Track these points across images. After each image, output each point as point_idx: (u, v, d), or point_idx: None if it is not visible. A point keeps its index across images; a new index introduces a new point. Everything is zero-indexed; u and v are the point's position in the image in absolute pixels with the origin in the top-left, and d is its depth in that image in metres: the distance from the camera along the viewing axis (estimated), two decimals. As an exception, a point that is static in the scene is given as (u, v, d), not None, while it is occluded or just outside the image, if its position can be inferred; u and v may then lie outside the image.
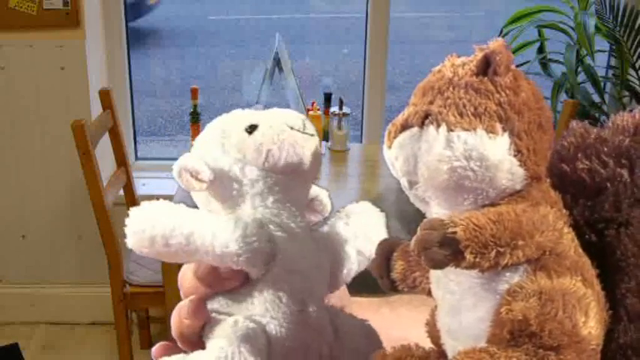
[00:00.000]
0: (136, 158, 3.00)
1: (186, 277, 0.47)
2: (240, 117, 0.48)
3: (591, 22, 2.47)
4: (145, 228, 0.44)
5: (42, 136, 2.62)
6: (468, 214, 0.39)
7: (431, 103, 0.43)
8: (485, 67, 0.42)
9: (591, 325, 0.39)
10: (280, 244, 0.44)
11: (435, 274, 0.44)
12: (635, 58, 2.55)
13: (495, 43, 0.42)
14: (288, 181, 0.46)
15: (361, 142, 2.95)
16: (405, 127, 0.43)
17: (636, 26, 2.51)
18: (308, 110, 2.67)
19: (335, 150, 2.61)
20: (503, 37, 2.73)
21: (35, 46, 2.52)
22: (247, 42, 6.48)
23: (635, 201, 0.43)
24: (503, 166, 0.40)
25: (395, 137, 0.43)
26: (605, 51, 2.81)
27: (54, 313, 2.81)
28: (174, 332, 0.45)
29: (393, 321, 0.51)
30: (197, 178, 0.46)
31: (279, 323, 0.44)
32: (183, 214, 0.44)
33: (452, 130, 0.40)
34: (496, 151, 0.40)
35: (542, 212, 0.40)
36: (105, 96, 2.41)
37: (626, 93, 2.64)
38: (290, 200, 0.46)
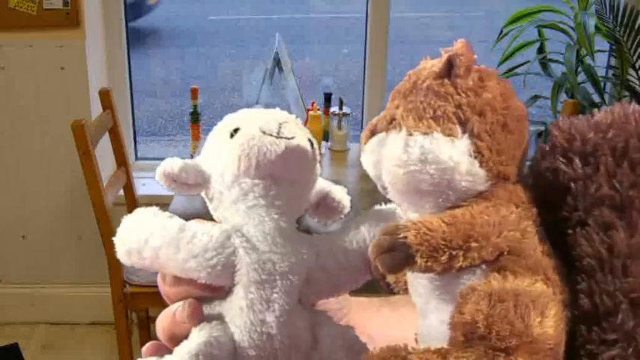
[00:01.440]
0: (136, 158, 3.00)
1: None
2: (234, 119, 0.47)
3: (591, 22, 2.47)
4: (124, 240, 0.46)
5: (42, 136, 2.62)
6: (422, 218, 0.40)
7: (397, 107, 0.43)
8: (449, 69, 0.42)
9: (549, 325, 0.38)
10: (240, 256, 0.44)
11: (409, 279, 0.44)
12: (635, 58, 2.54)
13: (457, 45, 0.42)
14: (270, 185, 0.45)
15: (361, 142, 2.94)
16: (373, 132, 0.43)
17: (636, 26, 2.51)
18: (308, 110, 2.66)
19: (335, 150, 2.61)
20: (503, 37, 2.74)
21: (35, 46, 2.52)
22: (247, 42, 6.47)
23: (597, 200, 0.42)
24: (461, 167, 0.40)
25: (366, 143, 0.44)
26: (605, 51, 2.81)
27: (54, 313, 2.81)
28: (164, 334, 0.46)
29: (394, 321, 0.51)
30: (178, 181, 0.46)
31: (241, 332, 0.44)
32: (157, 226, 0.45)
33: (411, 135, 0.41)
34: (452, 154, 0.40)
35: (503, 213, 0.40)
36: (105, 96, 2.41)
37: (626, 93, 2.64)
38: (273, 205, 0.45)
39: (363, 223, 0.48)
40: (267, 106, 3.14)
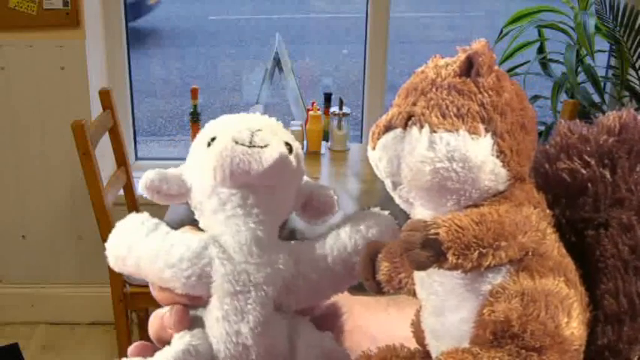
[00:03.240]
0: (136, 158, 3.00)
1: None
2: (213, 127, 0.48)
3: (591, 22, 2.47)
4: (112, 247, 0.48)
5: (42, 136, 2.62)
6: (450, 215, 0.39)
7: (414, 104, 0.43)
8: (468, 68, 0.42)
9: (574, 326, 0.39)
10: (215, 267, 0.45)
11: (418, 275, 0.44)
12: (635, 58, 2.54)
13: (478, 44, 0.42)
14: (246, 194, 0.45)
15: (361, 142, 2.95)
16: (388, 128, 0.43)
17: (636, 26, 2.51)
18: (308, 110, 2.66)
19: (335, 150, 2.61)
20: (502, 37, 2.74)
21: (35, 46, 2.52)
22: (247, 42, 6.47)
23: (615, 201, 0.42)
24: (486, 167, 0.40)
25: (378, 138, 0.43)
26: (605, 51, 2.81)
27: (54, 313, 2.81)
28: (153, 336, 0.47)
29: (399, 321, 0.51)
30: (161, 192, 0.47)
31: (218, 342, 0.45)
32: (141, 235, 0.46)
33: (435, 132, 0.41)
34: (479, 152, 0.40)
35: (525, 213, 0.40)
36: (105, 96, 2.41)
37: (626, 93, 2.64)
38: (251, 214, 0.45)
39: (344, 228, 0.47)
40: (267, 105, 3.15)
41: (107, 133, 2.41)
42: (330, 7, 7.42)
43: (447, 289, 0.42)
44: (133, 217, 0.48)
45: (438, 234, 0.38)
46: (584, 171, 0.44)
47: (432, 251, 0.38)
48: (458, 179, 0.40)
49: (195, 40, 6.60)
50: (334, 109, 2.64)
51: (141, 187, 0.47)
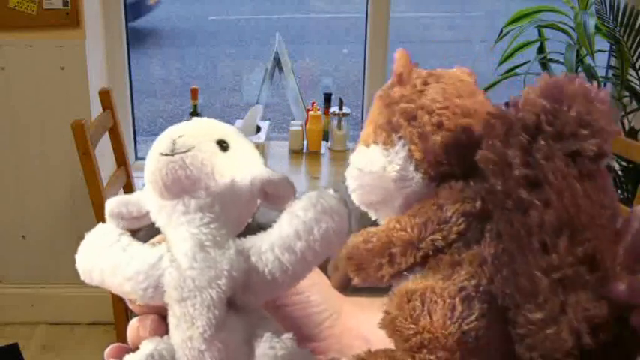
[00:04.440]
0: (136, 158, 3.00)
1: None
2: (157, 141, 0.48)
3: (591, 22, 2.47)
4: (80, 260, 0.49)
5: (42, 136, 2.62)
6: (360, 231, 0.41)
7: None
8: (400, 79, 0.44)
9: (461, 320, 0.39)
10: (166, 276, 0.45)
11: None
12: (635, 58, 2.55)
13: (396, 55, 0.43)
14: (187, 201, 0.45)
15: (361, 142, 2.94)
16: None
17: (636, 26, 2.51)
18: (308, 110, 2.66)
19: (335, 150, 2.61)
20: (502, 37, 2.74)
21: (35, 46, 2.52)
22: (247, 42, 6.48)
23: (514, 181, 0.40)
24: (392, 175, 0.42)
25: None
26: (605, 51, 2.81)
27: (54, 313, 2.81)
28: (130, 342, 0.48)
29: None
30: (125, 218, 0.48)
31: (177, 348, 0.45)
32: (104, 248, 0.47)
33: (358, 149, 0.44)
34: (383, 162, 0.42)
35: (428, 214, 0.41)
36: (105, 96, 2.41)
37: (626, 93, 2.64)
38: (194, 219, 0.45)
39: (284, 215, 0.46)
40: (268, 105, 3.13)
41: (107, 133, 2.41)
42: (330, 7, 7.42)
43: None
44: (99, 228, 0.49)
45: (342, 253, 0.40)
46: (488, 155, 0.43)
47: (341, 272, 0.41)
48: (371, 191, 0.42)
49: (195, 40, 6.60)
50: (334, 109, 2.64)
51: (106, 216, 0.49)
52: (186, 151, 0.45)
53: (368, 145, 0.42)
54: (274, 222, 0.46)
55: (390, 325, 0.39)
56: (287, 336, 0.46)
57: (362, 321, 0.55)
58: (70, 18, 2.47)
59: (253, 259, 0.45)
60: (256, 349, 0.45)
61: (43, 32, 2.49)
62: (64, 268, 2.74)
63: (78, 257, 0.49)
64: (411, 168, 0.41)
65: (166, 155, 0.45)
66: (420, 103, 0.42)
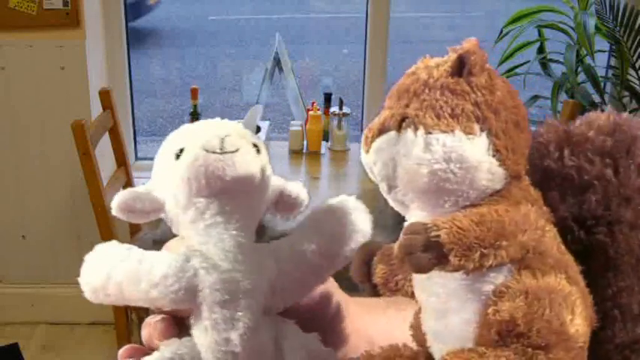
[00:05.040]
0: (136, 158, 3.00)
1: None
2: (177, 138, 0.47)
3: (591, 22, 2.47)
4: (88, 280, 0.47)
5: (42, 136, 2.62)
6: (450, 216, 0.39)
7: (407, 106, 0.42)
8: (460, 67, 0.42)
9: (578, 323, 0.39)
10: (201, 277, 0.44)
11: (418, 278, 0.44)
12: (635, 58, 2.54)
13: (469, 44, 0.42)
14: (224, 201, 0.45)
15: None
16: (382, 131, 0.43)
17: (636, 26, 2.51)
18: (308, 110, 2.66)
19: (335, 150, 2.61)
20: (502, 37, 2.74)
21: (35, 46, 2.52)
22: (247, 42, 6.48)
23: (623, 200, 0.42)
24: (483, 166, 0.40)
25: (372, 142, 0.43)
26: (605, 51, 2.81)
27: (54, 313, 2.81)
28: (144, 342, 0.48)
29: (398, 322, 0.50)
30: (135, 212, 0.47)
31: (206, 351, 0.45)
32: (116, 261, 0.46)
33: (430, 133, 0.40)
34: (475, 152, 0.40)
35: (524, 211, 0.40)
36: (105, 96, 2.41)
37: (626, 93, 2.64)
38: (231, 221, 0.45)
39: (316, 221, 0.47)
40: (268, 105, 3.13)
41: (107, 133, 2.41)
42: (330, 7, 7.42)
43: (448, 291, 0.41)
44: (103, 246, 0.48)
45: (439, 236, 0.38)
46: (590, 168, 0.44)
47: (433, 254, 0.38)
48: (455, 180, 0.40)
49: (195, 40, 6.60)
50: (334, 109, 2.64)
51: (114, 211, 0.47)
52: (236, 151, 0.45)
53: (446, 131, 0.40)
54: (269, 224, 0.47)
55: (520, 319, 0.38)
56: (313, 336, 0.47)
57: (367, 322, 0.55)
58: (70, 18, 2.47)
59: (284, 263, 0.46)
60: (284, 349, 0.46)
61: (43, 32, 2.49)
62: (64, 268, 2.74)
63: (84, 279, 0.48)
64: (496, 162, 0.41)
65: (214, 153, 0.44)
66: (498, 98, 0.41)
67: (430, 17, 7.19)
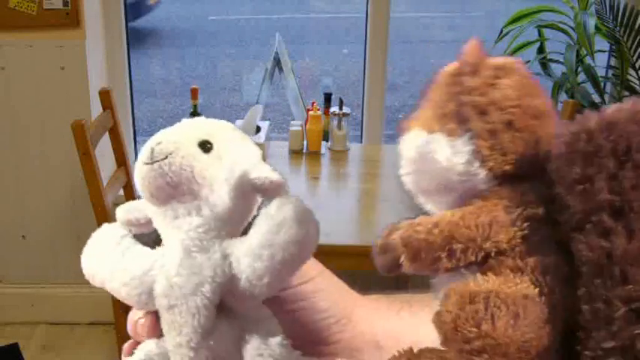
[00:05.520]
0: (136, 158, 2.99)
1: None
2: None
3: (591, 22, 2.47)
4: (84, 264, 0.50)
5: (42, 136, 2.62)
6: (413, 220, 0.40)
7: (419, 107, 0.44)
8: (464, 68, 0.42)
9: (524, 328, 0.38)
10: (156, 283, 0.45)
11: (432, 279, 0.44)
12: (635, 58, 2.54)
13: (468, 44, 0.42)
14: (176, 207, 0.45)
15: (361, 142, 2.94)
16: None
17: (636, 26, 2.51)
18: (308, 110, 2.66)
19: (335, 150, 2.61)
20: (502, 37, 2.74)
21: (35, 46, 2.52)
22: (247, 42, 6.48)
23: (597, 204, 0.41)
24: (456, 168, 0.40)
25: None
26: (605, 51, 2.81)
27: (54, 313, 2.81)
28: (132, 337, 0.49)
29: (410, 325, 0.50)
30: (136, 224, 0.49)
31: (170, 354, 0.45)
32: (105, 252, 0.48)
33: (417, 135, 0.42)
34: (449, 154, 0.40)
35: (495, 213, 0.40)
36: (105, 96, 2.41)
37: (626, 93, 2.64)
38: (182, 226, 0.45)
39: (264, 219, 0.45)
40: (268, 105, 3.13)
41: (107, 133, 2.41)
42: (330, 7, 7.42)
43: (437, 293, 0.42)
44: (103, 229, 0.49)
45: (394, 238, 0.38)
46: (569, 171, 0.43)
47: (390, 256, 0.38)
48: (431, 181, 0.41)
49: (195, 40, 6.60)
50: (334, 109, 2.64)
51: (122, 226, 0.50)
52: (165, 158, 0.45)
53: (431, 132, 0.41)
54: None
55: (449, 323, 0.38)
56: (276, 341, 0.46)
57: (374, 326, 0.55)
58: (70, 18, 2.47)
59: (234, 265, 0.45)
60: (246, 353, 0.45)
61: (43, 32, 2.49)
62: (64, 268, 2.74)
63: (83, 259, 0.50)
64: (477, 163, 0.40)
65: (146, 164, 0.45)
66: (492, 98, 0.41)
67: (430, 17, 7.19)
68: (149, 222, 0.48)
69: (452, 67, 0.43)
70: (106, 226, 0.49)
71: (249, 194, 0.46)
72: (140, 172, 0.46)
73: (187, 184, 0.45)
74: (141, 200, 0.49)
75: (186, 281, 0.44)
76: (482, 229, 0.39)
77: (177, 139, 0.46)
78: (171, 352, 0.45)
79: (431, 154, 0.40)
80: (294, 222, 0.43)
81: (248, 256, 0.44)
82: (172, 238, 0.46)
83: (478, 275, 0.39)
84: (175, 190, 0.45)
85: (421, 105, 0.43)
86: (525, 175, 0.42)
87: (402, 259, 0.38)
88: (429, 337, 0.45)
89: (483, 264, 0.40)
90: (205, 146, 0.45)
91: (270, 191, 0.45)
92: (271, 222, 0.44)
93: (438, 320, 0.39)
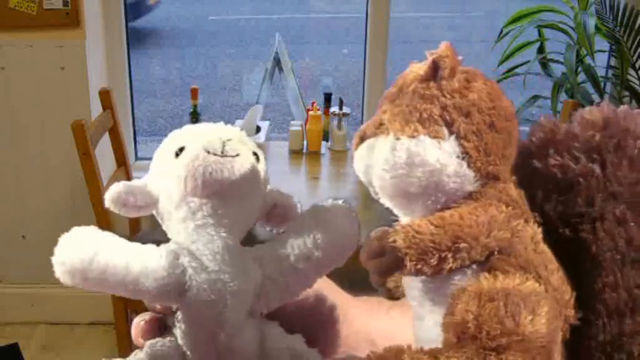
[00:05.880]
0: (136, 158, 3.00)
1: None
2: (179, 137, 0.48)
3: (591, 22, 2.47)
4: (64, 261, 0.47)
5: (42, 136, 2.62)
6: (411, 221, 0.40)
7: (384, 112, 0.43)
8: (434, 71, 0.42)
9: (541, 323, 0.39)
10: (190, 276, 0.44)
11: (404, 282, 0.44)
12: (635, 58, 2.54)
13: (442, 47, 0.43)
14: (217, 203, 0.45)
15: (361, 142, 2.94)
16: (362, 138, 0.44)
17: (636, 26, 2.51)
18: (308, 110, 2.66)
19: (335, 150, 2.61)
20: (502, 37, 2.74)
21: (35, 46, 2.52)
22: (247, 42, 6.47)
23: (609, 195, 0.43)
24: (448, 169, 0.41)
25: (356, 149, 0.44)
26: (605, 51, 2.81)
27: (54, 313, 2.81)
28: (134, 340, 0.49)
29: (401, 324, 0.51)
30: (127, 205, 0.48)
31: (191, 349, 0.45)
32: (101, 247, 0.46)
33: (398, 139, 0.41)
34: (439, 156, 0.40)
35: (492, 212, 0.40)
36: (105, 96, 2.41)
37: (626, 93, 2.64)
38: (221, 223, 0.45)
39: (302, 226, 0.47)
40: (268, 105, 3.13)
41: (107, 133, 2.41)
42: (330, 7, 7.42)
43: (421, 294, 0.42)
44: (82, 229, 0.48)
45: (395, 241, 0.38)
46: (574, 166, 0.44)
47: (390, 258, 0.38)
48: (420, 184, 0.41)
49: (195, 40, 6.60)
50: (334, 109, 2.64)
51: (107, 203, 0.48)
52: (236, 156, 0.45)
53: (413, 135, 0.41)
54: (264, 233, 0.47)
55: (471, 321, 0.38)
56: (297, 336, 0.47)
57: (368, 324, 0.55)
58: (70, 18, 2.47)
59: (268, 267, 0.46)
60: (268, 350, 0.46)
61: (43, 32, 2.49)
62: (64, 268, 2.73)
63: (58, 261, 0.48)
64: (465, 164, 0.41)
65: (215, 155, 0.45)
66: (471, 100, 0.42)
67: (430, 17, 7.19)
68: (146, 207, 0.47)
69: (416, 71, 0.43)
70: (79, 228, 0.49)
71: (268, 213, 0.49)
72: (202, 159, 0.44)
73: (242, 187, 0.45)
74: (141, 181, 0.48)
75: (232, 278, 0.44)
76: (485, 228, 0.39)
77: (243, 141, 0.47)
78: (193, 349, 0.45)
79: (420, 157, 0.40)
80: (342, 225, 0.47)
81: (292, 257, 0.46)
82: (206, 233, 0.45)
83: (485, 274, 0.39)
84: (230, 188, 0.45)
85: (385, 110, 0.43)
86: (502, 175, 0.42)
87: (406, 260, 0.38)
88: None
89: (484, 263, 0.40)
90: (257, 157, 0.47)
91: (286, 220, 0.49)
92: (321, 220, 0.46)
93: (450, 321, 0.39)
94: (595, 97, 2.60)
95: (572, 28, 2.63)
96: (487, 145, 0.41)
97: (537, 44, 2.82)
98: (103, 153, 2.40)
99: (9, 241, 2.76)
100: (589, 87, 2.61)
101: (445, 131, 0.41)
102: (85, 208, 2.28)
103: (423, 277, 0.41)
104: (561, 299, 0.40)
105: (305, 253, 0.46)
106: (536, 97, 2.76)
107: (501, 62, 2.71)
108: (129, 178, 2.49)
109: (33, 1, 2.43)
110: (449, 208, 0.41)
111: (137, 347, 0.49)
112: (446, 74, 0.42)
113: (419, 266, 0.38)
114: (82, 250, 0.47)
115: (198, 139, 0.46)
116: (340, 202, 0.48)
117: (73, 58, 2.53)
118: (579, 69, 2.62)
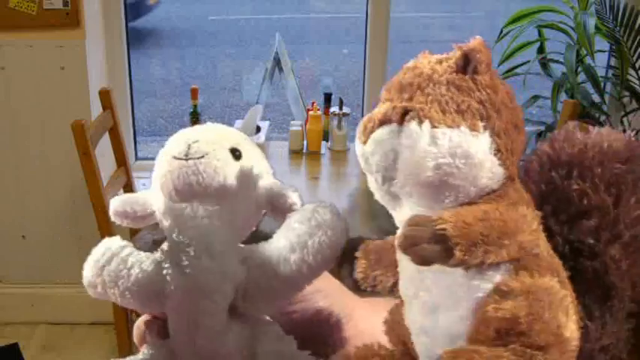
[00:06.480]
0: (136, 158, 3.00)
1: None
2: (168, 144, 0.48)
3: (591, 22, 2.47)
4: (86, 274, 0.49)
5: (42, 136, 2.62)
6: (454, 211, 0.39)
7: (410, 99, 0.42)
8: (465, 64, 0.42)
9: (572, 326, 0.39)
10: (170, 282, 0.45)
11: (407, 272, 0.43)
12: (635, 58, 2.54)
13: (475, 41, 0.42)
14: (197, 207, 0.45)
15: (361, 142, 2.94)
16: (383, 122, 0.42)
17: (636, 26, 2.51)
18: (308, 110, 2.66)
19: (335, 150, 2.61)
20: (502, 37, 2.74)
21: (35, 46, 2.52)
22: (247, 42, 6.47)
23: (613, 237, 0.43)
24: (486, 164, 0.40)
25: (371, 132, 0.43)
26: (605, 51, 2.80)
27: (54, 313, 2.81)
28: (136, 343, 0.50)
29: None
30: (130, 217, 0.48)
31: (178, 354, 0.46)
32: (103, 262, 0.48)
33: (435, 127, 0.40)
34: (479, 149, 0.40)
35: (522, 212, 0.40)
36: (105, 96, 2.41)
37: (626, 93, 2.64)
38: (202, 224, 0.45)
39: (289, 229, 0.46)
40: (268, 105, 3.13)
41: (107, 133, 2.41)
42: (330, 7, 7.42)
43: (441, 287, 0.41)
44: (103, 243, 0.49)
45: (445, 229, 0.37)
46: (593, 196, 0.44)
47: (439, 246, 0.37)
48: (459, 175, 0.40)
49: (195, 41, 6.60)
50: (334, 109, 2.64)
51: (112, 217, 0.49)
52: (201, 157, 0.45)
53: (451, 126, 0.40)
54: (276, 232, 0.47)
55: (524, 318, 0.37)
56: (289, 339, 0.47)
57: (374, 324, 0.55)
58: (70, 18, 2.47)
59: (253, 270, 0.45)
60: (258, 353, 0.46)
61: (43, 32, 2.49)
62: (64, 268, 2.74)
63: (85, 274, 0.50)
64: (497, 161, 0.41)
65: (180, 159, 0.45)
66: (501, 98, 0.41)
67: (430, 17, 7.19)
68: (147, 216, 0.48)
69: (442, 62, 0.43)
70: (106, 240, 0.49)
71: (264, 209, 0.48)
72: (169, 165, 0.45)
73: (216, 187, 0.45)
74: (141, 193, 0.48)
75: (207, 279, 0.44)
76: (523, 226, 0.39)
77: (214, 140, 0.46)
78: (182, 351, 0.45)
79: (462, 148, 0.39)
80: (326, 228, 0.45)
81: (273, 260, 0.45)
82: (188, 237, 0.45)
83: (524, 272, 0.39)
84: (204, 190, 0.45)
85: (403, 98, 0.42)
86: (516, 177, 0.42)
87: (456, 250, 0.38)
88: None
89: (516, 262, 0.39)
90: (235, 153, 0.46)
91: (286, 212, 0.47)
92: (304, 227, 0.45)
93: (495, 316, 0.38)
94: (595, 97, 2.60)
95: (572, 28, 2.62)
96: (512, 145, 0.41)
97: (537, 44, 2.81)
98: (103, 153, 2.40)
99: (9, 241, 2.76)
100: (589, 87, 2.61)
101: (481, 125, 0.40)
102: (85, 209, 2.28)
103: (450, 270, 0.40)
104: (576, 305, 0.41)
105: (285, 257, 0.45)
106: (536, 97, 2.76)
107: (501, 62, 2.71)
108: (129, 178, 2.49)
109: (33, 1, 2.43)
110: (472, 203, 0.40)
111: (137, 348, 0.50)
112: (482, 69, 0.41)
113: (466, 257, 0.38)
114: (94, 264, 0.49)
115: (170, 146, 0.47)
116: (327, 204, 0.47)
117: (73, 58, 2.53)
118: (579, 69, 2.62)
